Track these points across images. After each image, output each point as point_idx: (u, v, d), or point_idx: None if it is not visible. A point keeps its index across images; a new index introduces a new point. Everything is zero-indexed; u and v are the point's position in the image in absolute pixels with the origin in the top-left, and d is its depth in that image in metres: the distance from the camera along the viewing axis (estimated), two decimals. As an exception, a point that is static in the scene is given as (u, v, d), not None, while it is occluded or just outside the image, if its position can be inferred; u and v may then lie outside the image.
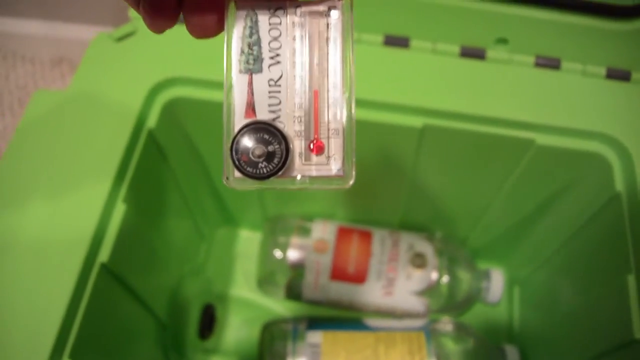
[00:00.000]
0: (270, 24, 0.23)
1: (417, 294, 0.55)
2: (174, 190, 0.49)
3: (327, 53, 0.23)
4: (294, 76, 0.23)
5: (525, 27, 0.44)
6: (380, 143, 0.46)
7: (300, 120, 0.23)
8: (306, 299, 0.57)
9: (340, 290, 0.55)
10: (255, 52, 0.23)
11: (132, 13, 0.45)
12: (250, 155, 0.22)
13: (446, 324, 0.53)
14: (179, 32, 0.44)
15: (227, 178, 0.23)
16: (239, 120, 0.23)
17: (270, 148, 0.22)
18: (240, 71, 0.23)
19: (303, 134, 0.23)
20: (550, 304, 0.52)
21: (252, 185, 0.23)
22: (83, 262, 0.35)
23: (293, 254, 0.56)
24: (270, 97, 0.23)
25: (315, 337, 0.51)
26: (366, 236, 0.57)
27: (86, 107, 0.41)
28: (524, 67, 0.45)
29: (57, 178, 0.38)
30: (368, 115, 0.43)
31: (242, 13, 0.23)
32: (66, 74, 0.78)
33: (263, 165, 0.22)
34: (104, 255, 0.36)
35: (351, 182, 0.23)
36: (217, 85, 0.43)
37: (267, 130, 0.22)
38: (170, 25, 0.24)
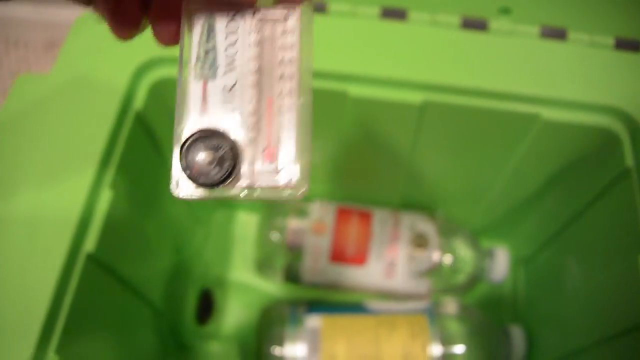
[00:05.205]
0: (227, 30, 0.23)
1: (419, 274, 0.54)
2: (165, 173, 0.48)
3: (283, 59, 0.23)
4: (249, 83, 0.23)
5: (529, -5, 0.43)
6: (378, 120, 0.44)
7: (254, 128, 0.23)
8: (305, 282, 0.56)
9: (340, 272, 0.54)
10: (210, 59, 0.23)
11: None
12: (202, 164, 0.22)
13: (449, 305, 0.52)
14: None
15: (177, 186, 0.23)
16: (192, 127, 0.23)
17: (220, 152, 0.22)
18: (195, 77, 0.23)
19: (256, 141, 0.23)
20: (556, 284, 0.51)
21: (201, 193, 0.23)
22: (67, 253, 0.33)
23: (291, 236, 0.54)
24: (224, 104, 0.23)
25: (315, 321, 0.50)
26: (366, 217, 0.55)
27: (71, 89, 0.40)
28: (528, 38, 0.43)
29: (40, 164, 0.37)
30: (364, 92, 0.41)
31: (200, 18, 0.23)
32: (59, 56, 0.77)
33: (216, 171, 0.22)
34: (89, 245, 0.35)
35: (303, 191, 0.23)
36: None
37: (215, 135, 0.22)
38: (136, 32, 0.24)
